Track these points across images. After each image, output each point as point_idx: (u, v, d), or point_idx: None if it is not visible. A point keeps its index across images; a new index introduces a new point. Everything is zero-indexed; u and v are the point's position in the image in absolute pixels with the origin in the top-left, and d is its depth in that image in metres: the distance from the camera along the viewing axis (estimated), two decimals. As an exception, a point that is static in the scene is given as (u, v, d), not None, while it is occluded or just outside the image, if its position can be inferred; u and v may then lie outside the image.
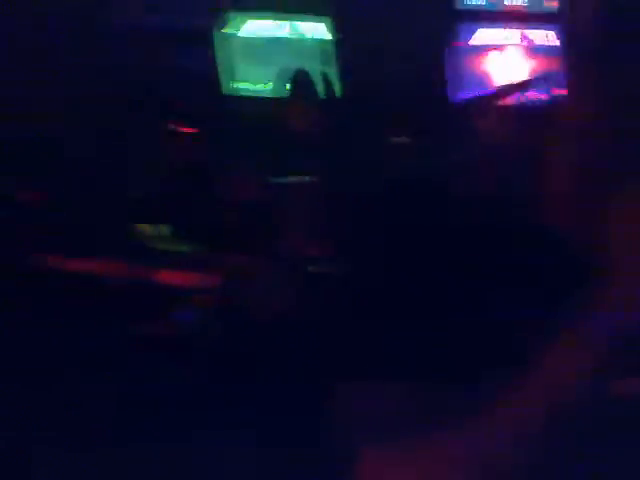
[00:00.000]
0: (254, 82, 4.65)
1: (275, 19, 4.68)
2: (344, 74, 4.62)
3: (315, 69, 4.08)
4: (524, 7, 5.05)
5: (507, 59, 4.99)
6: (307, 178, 3.63)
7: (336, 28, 4.68)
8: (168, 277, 3.34)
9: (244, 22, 4.66)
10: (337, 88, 4.54)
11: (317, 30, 4.68)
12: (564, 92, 4.86)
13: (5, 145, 3.83)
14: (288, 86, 4.03)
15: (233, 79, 4.65)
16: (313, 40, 4.68)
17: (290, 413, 2.74)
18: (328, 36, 4.68)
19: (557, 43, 4.89)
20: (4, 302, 3.26)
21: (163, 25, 4.65)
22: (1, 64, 4.11)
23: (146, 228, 3.49)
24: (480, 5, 5.07)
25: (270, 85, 4.56)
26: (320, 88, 3.93)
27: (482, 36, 4.99)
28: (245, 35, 4.67)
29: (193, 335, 3.30)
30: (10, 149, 3.82)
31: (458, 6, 5.07)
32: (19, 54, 4.22)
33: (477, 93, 4.74)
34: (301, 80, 3.90)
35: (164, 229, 3.49)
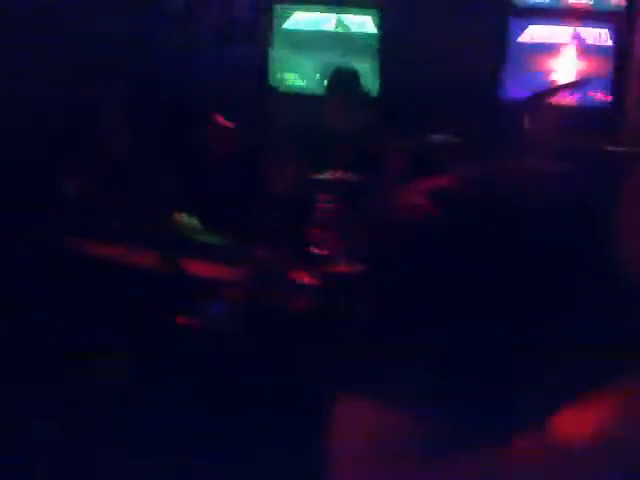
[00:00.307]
0: (299, 76, 4.61)
1: (322, 12, 4.62)
2: (388, 70, 4.53)
3: (358, 64, 3.98)
4: (587, 5, 4.89)
5: (560, 57, 4.87)
6: (344, 175, 3.57)
7: (383, 23, 4.59)
8: (201, 269, 3.33)
9: (291, 14, 4.62)
10: (378, 85, 4.45)
11: (363, 24, 4.61)
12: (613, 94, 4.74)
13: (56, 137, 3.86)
14: (325, 84, 3.92)
15: (278, 71, 4.61)
16: (358, 34, 4.61)
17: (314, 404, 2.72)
18: (373, 30, 4.61)
19: (610, 43, 4.75)
20: (41, 286, 3.29)
21: (211, 17, 4.63)
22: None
23: (181, 219, 3.47)
24: (540, 2, 4.92)
25: (313, 79, 4.50)
26: (359, 86, 3.84)
27: (536, 34, 4.87)
28: (291, 28, 4.63)
29: (222, 327, 3.28)
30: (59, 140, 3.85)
31: (517, 3, 4.93)
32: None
33: (529, 91, 4.63)
34: (338, 79, 3.78)
35: (200, 221, 3.47)
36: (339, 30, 4.61)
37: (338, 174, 3.59)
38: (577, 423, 0.56)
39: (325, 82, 3.92)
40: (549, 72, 4.90)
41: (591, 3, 4.86)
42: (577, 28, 4.83)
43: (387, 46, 4.58)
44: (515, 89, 4.83)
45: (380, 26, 4.59)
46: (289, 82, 4.61)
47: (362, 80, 3.87)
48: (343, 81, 3.81)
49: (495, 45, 4.84)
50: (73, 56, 4.22)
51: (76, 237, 3.40)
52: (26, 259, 3.29)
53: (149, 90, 4.14)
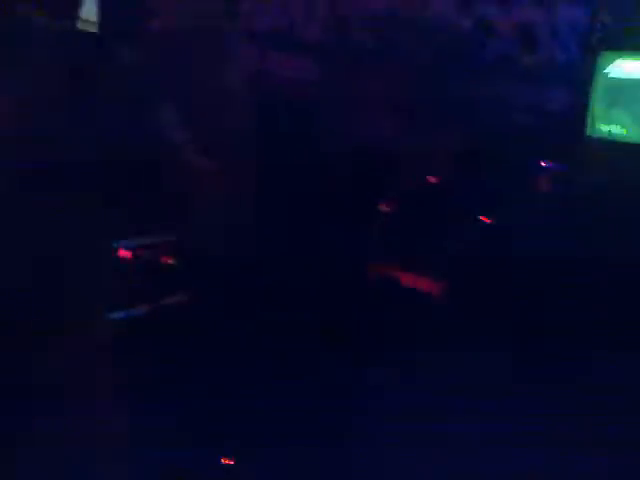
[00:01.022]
0: (621, 125, 4.26)
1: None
2: None
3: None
4: None
5: None
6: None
7: None
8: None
9: (617, 60, 4.30)
10: None
11: None
12: None
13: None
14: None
15: (598, 120, 4.30)
16: None
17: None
18: None
19: None
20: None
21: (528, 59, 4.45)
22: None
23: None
24: None
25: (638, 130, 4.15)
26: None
27: None
28: (617, 76, 4.30)
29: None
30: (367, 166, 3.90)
31: None
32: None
33: None
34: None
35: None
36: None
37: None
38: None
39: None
40: None
41: None
42: None
43: None
44: None
45: None
46: (610, 131, 4.29)
47: None
48: None
49: None
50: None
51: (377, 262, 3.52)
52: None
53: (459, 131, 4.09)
